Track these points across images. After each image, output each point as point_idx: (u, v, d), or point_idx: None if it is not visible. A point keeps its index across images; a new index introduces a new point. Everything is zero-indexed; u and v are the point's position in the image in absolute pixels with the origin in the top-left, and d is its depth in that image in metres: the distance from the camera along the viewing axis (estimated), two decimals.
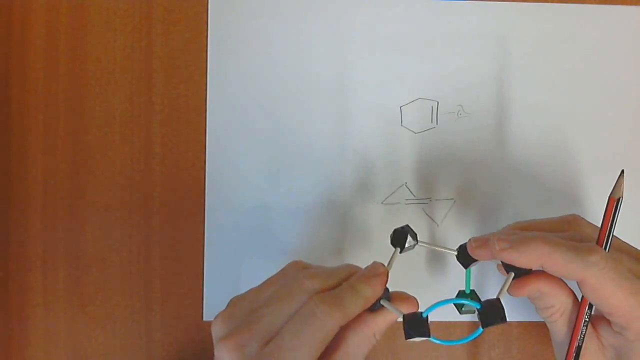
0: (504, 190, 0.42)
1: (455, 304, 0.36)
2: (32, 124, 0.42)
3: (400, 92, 0.42)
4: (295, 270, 0.32)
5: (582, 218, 0.35)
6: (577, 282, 0.32)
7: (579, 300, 0.34)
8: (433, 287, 0.42)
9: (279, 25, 0.42)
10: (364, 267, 0.33)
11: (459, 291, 0.36)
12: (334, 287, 0.31)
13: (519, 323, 0.42)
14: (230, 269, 0.42)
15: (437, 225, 0.42)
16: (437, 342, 0.32)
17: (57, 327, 0.41)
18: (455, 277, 0.41)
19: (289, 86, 0.42)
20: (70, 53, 0.42)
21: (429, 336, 0.31)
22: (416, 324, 0.31)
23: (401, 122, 0.42)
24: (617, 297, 0.31)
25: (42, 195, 0.42)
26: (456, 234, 0.42)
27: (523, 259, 0.32)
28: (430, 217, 0.42)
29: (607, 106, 0.43)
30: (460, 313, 0.35)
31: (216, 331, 0.31)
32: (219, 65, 0.42)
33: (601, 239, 0.32)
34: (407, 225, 0.34)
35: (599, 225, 0.33)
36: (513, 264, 0.32)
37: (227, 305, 0.32)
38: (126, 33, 0.42)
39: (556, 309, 0.34)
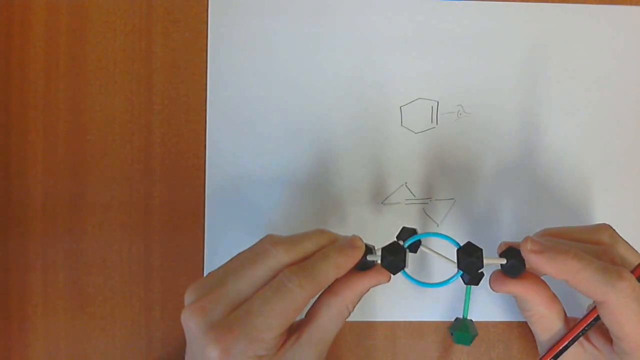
0: (504, 190, 0.42)
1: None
2: (32, 124, 0.42)
3: (400, 92, 0.42)
4: (264, 241, 0.33)
5: (614, 230, 0.34)
6: (596, 302, 0.32)
7: (564, 312, 0.34)
8: (427, 292, 0.42)
9: (278, 25, 0.42)
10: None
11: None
12: (303, 256, 0.32)
13: (519, 323, 0.42)
14: None
15: (437, 225, 0.42)
16: (411, 280, 0.32)
17: (57, 327, 0.41)
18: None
19: (289, 86, 0.42)
20: (70, 53, 0.42)
21: (404, 267, 0.32)
22: (394, 252, 0.32)
23: (401, 122, 0.42)
24: (632, 325, 0.31)
25: (42, 195, 0.42)
26: (456, 234, 0.42)
27: (550, 267, 0.31)
28: (430, 217, 0.42)
29: (607, 106, 0.43)
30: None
31: (186, 300, 0.32)
32: (219, 65, 0.42)
33: (639, 270, 0.32)
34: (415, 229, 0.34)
35: (627, 241, 0.33)
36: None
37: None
38: (126, 33, 0.42)
39: (532, 314, 0.34)
